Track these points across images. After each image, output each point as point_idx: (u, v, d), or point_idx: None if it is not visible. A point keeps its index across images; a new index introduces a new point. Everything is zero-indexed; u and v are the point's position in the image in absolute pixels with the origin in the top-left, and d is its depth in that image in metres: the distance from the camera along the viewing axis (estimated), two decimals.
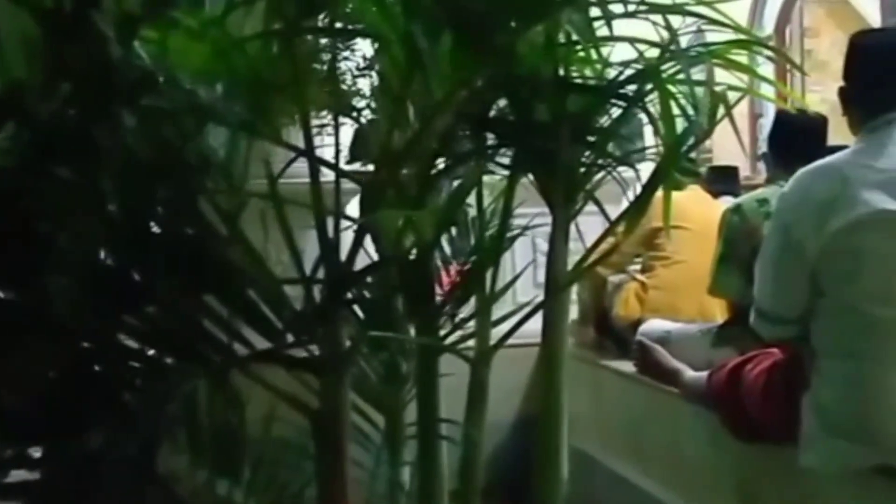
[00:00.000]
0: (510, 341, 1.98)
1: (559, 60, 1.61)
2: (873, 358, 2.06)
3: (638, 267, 3.81)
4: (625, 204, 3.95)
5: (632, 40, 1.64)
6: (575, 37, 1.58)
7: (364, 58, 1.99)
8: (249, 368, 1.43)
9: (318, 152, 1.53)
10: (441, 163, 1.68)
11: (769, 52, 2.35)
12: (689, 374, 2.87)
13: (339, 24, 1.52)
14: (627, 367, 3.35)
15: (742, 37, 1.63)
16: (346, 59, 2.00)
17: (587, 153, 1.69)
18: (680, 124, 1.60)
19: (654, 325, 3.33)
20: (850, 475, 2.12)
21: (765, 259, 2.27)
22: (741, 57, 1.76)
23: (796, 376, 2.24)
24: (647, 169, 1.88)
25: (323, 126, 2.10)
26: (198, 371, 1.42)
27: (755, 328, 2.36)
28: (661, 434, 3.13)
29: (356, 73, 2.04)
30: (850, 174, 2.07)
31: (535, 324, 4.36)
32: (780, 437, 2.27)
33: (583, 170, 1.76)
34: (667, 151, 1.64)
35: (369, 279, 1.62)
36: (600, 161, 1.72)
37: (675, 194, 3.78)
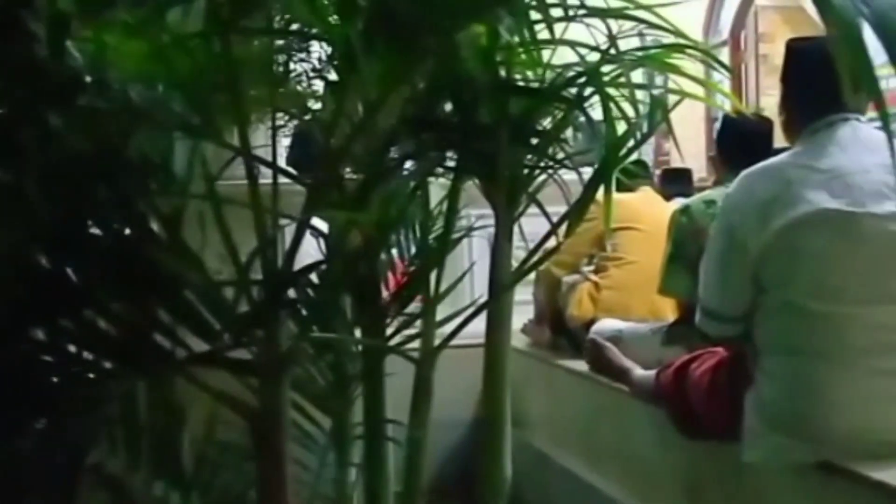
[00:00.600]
0: (465, 341, 1.98)
1: (500, 63, 1.60)
2: (814, 354, 2.07)
3: (592, 267, 3.83)
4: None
5: (572, 44, 1.64)
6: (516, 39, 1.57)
7: (319, 59, 1.97)
8: (189, 371, 1.41)
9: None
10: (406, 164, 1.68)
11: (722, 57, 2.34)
12: (639, 372, 2.88)
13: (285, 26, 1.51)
14: (581, 365, 3.35)
15: (680, 41, 1.63)
16: (302, 60, 1.98)
17: (529, 156, 1.68)
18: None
19: (607, 324, 3.34)
20: (792, 470, 2.14)
21: (709, 259, 2.29)
22: (685, 61, 1.77)
23: (740, 374, 2.26)
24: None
25: (280, 127, 2.08)
26: (135, 374, 1.40)
27: (700, 327, 2.37)
28: (612, 431, 3.14)
29: (312, 74, 2.02)
30: (792, 175, 2.08)
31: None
32: (725, 433, 2.28)
33: (526, 172, 1.75)
34: (607, 154, 1.63)
35: (316, 280, 1.59)
36: (542, 163, 1.71)
37: (626, 196, 3.87)
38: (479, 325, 4.16)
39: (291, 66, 1.98)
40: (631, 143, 1.75)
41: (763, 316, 2.17)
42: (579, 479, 3.23)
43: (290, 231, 1.42)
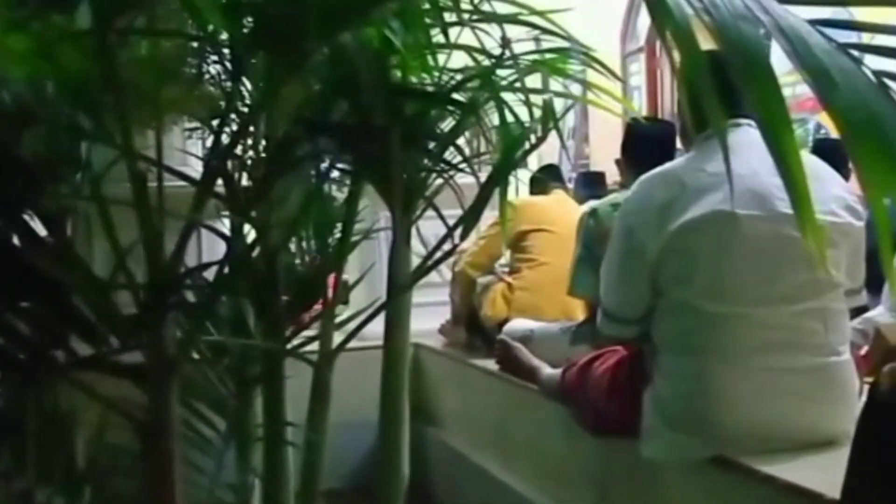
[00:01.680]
0: (374, 342, 1.96)
1: (395, 67, 1.59)
2: (708, 353, 2.10)
3: (506, 268, 3.85)
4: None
5: (465, 48, 1.64)
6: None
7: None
8: (75, 376, 1.37)
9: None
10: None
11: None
12: (547, 370, 2.90)
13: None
14: (494, 365, 3.36)
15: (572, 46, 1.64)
16: (216, 62, 1.94)
17: (426, 160, 1.67)
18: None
19: (518, 324, 3.36)
20: (688, 466, 2.17)
21: (609, 261, 2.31)
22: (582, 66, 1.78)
23: (639, 372, 2.28)
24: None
25: (194, 129, 2.04)
26: (19, 381, 1.35)
27: (601, 328, 2.40)
28: (523, 429, 3.15)
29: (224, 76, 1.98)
30: (687, 178, 2.11)
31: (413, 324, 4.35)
32: (626, 430, 2.30)
33: (423, 175, 1.74)
34: (501, 158, 1.63)
35: (217, 283, 1.56)
36: (438, 167, 1.70)
37: (539, 199, 3.90)
38: (380, 326, 4.15)
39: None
40: (527, 146, 1.75)
41: (660, 316, 2.19)
42: (492, 477, 3.23)
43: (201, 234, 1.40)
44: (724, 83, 0.89)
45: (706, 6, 0.73)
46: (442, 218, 1.70)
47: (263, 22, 1.11)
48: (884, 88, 0.82)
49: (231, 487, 1.70)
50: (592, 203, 3.11)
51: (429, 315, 4.19)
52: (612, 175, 5.53)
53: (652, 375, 2.22)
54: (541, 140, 1.71)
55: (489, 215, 3.98)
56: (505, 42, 1.66)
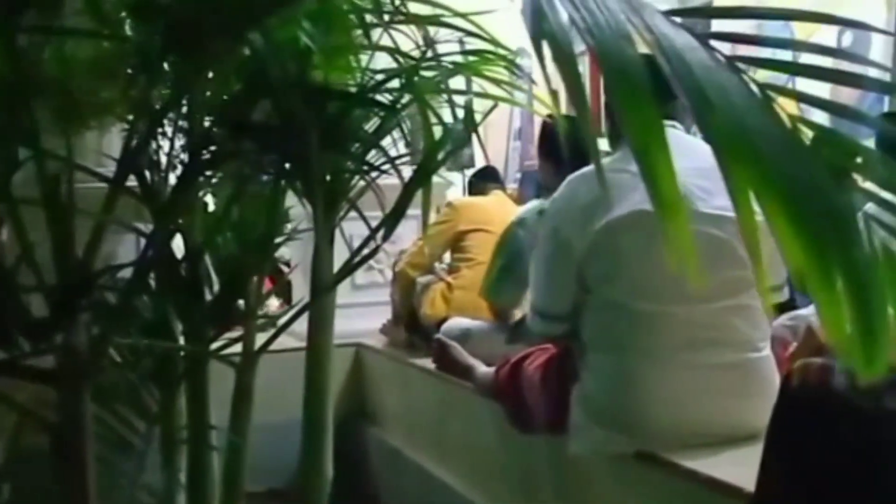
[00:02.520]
0: (303, 344, 1.93)
1: (317, 67, 1.57)
2: (633, 351, 2.12)
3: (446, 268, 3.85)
4: (432, 210, 4.01)
5: (387, 49, 1.63)
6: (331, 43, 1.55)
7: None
8: None
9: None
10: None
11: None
12: (481, 369, 2.90)
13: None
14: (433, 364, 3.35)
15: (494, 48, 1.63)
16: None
17: (348, 161, 1.65)
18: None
19: (456, 323, 3.36)
20: (614, 461, 2.18)
21: (538, 260, 2.33)
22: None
23: (568, 370, 2.29)
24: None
25: (131, 130, 1.99)
26: None
27: (531, 326, 2.40)
28: (458, 427, 3.15)
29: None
30: (612, 178, 2.12)
31: (349, 325, 4.34)
32: (556, 427, 2.31)
33: (347, 176, 1.72)
34: (424, 159, 1.62)
35: (130, 284, 1.52)
36: (361, 168, 1.69)
37: (478, 199, 3.90)
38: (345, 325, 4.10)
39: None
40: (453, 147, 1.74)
41: (588, 314, 2.21)
42: (428, 474, 3.23)
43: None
44: (652, 86, 0.90)
45: (589, 26, 0.72)
46: (364, 220, 1.69)
47: (170, 23, 1.09)
48: (768, 102, 0.82)
49: (149, 490, 1.66)
50: (519, 212, 3.11)
51: (371, 315, 4.18)
52: None
53: (580, 373, 2.23)
54: (464, 142, 1.70)
55: (431, 216, 4.02)
56: (427, 43, 1.65)
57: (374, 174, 1.74)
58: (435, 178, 2.09)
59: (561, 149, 2.94)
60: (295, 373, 3.03)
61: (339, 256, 4.26)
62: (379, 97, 1.63)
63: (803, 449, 1.58)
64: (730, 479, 1.85)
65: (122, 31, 1.19)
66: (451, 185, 4.64)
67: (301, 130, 1.46)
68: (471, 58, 1.70)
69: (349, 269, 1.66)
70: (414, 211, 4.35)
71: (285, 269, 4.16)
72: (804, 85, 5.59)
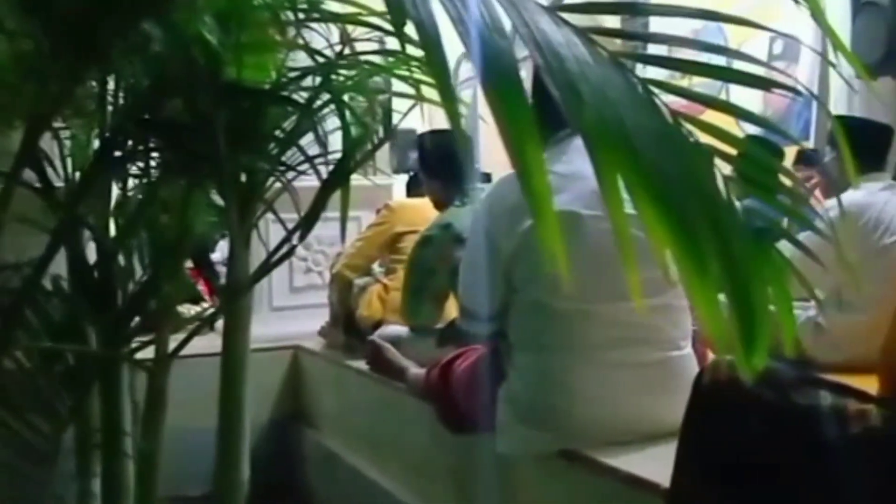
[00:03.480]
0: (251, 346, 1.88)
1: (226, 64, 1.54)
2: (557, 349, 2.11)
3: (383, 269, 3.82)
4: (370, 211, 3.96)
5: (302, 47, 1.59)
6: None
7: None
8: None
9: None
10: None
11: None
12: (414, 370, 2.88)
13: None
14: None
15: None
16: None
17: (263, 161, 1.61)
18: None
19: (390, 328, 3.33)
20: (539, 459, 2.17)
21: (467, 262, 2.32)
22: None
23: (496, 370, 2.28)
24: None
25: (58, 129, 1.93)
26: None
27: (460, 326, 2.39)
28: (392, 429, 3.12)
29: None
30: None
31: (288, 327, 4.28)
32: (484, 427, 2.29)
33: (265, 176, 1.68)
34: (341, 159, 1.60)
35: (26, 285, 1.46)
36: (280, 169, 1.65)
37: (415, 201, 3.87)
38: (265, 330, 4.04)
39: None
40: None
41: (514, 314, 2.20)
42: (363, 476, 3.19)
43: None
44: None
45: (462, 18, 0.70)
46: (281, 221, 1.65)
47: (56, 20, 1.05)
48: (649, 98, 0.81)
49: (56, 498, 1.60)
50: (424, 231, 3.10)
51: (310, 317, 4.14)
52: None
53: (507, 372, 2.22)
54: (382, 142, 1.67)
55: (370, 217, 3.99)
56: (344, 41, 1.62)
57: (296, 174, 1.70)
58: (376, 180, 2.06)
59: (444, 162, 2.94)
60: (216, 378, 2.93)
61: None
62: (296, 96, 1.60)
63: (714, 445, 1.58)
64: (649, 476, 1.85)
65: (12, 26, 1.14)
66: (392, 186, 4.60)
67: (209, 128, 1.42)
68: (390, 58, 1.67)
69: (263, 271, 1.62)
70: (354, 213, 4.30)
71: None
72: (736, 93, 5.67)
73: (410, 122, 2.49)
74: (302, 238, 1.58)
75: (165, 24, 1.22)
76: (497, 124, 0.66)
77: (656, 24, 6.29)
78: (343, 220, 1.56)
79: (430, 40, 0.66)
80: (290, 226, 1.70)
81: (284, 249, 1.60)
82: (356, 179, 1.88)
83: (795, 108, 5.23)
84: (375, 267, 3.81)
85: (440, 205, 3.19)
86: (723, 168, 0.92)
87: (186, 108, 1.53)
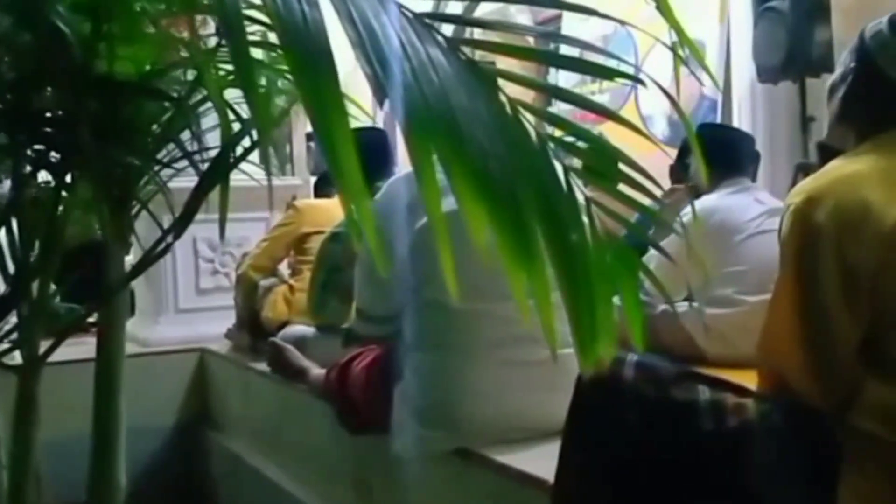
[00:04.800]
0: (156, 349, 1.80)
1: (103, 58, 1.48)
2: (452, 348, 2.10)
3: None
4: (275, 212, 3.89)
5: (180, 41, 1.54)
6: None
7: None
8: None
9: None
10: None
11: None
12: (315, 371, 2.83)
13: None
14: None
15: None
16: None
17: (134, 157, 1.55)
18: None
19: (293, 330, 3.28)
20: (435, 459, 2.15)
21: (362, 263, 2.30)
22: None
23: (392, 370, 2.25)
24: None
25: None
26: None
27: (356, 329, 2.36)
28: (296, 431, 3.07)
29: None
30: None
31: (194, 329, 4.18)
32: (382, 427, 2.26)
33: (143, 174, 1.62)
34: (218, 156, 1.55)
35: None
36: (157, 165, 1.59)
37: (322, 202, 3.82)
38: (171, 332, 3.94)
39: None
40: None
41: (410, 314, 2.17)
42: (266, 479, 3.12)
43: None
44: None
45: None
46: (156, 220, 1.59)
47: None
48: (492, 85, 0.78)
49: None
50: (333, 227, 3.07)
51: (217, 319, 4.05)
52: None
53: (403, 372, 2.20)
54: (258, 142, 1.62)
55: (278, 217, 3.92)
56: (220, 34, 1.57)
57: (174, 172, 1.64)
58: (279, 181, 2.00)
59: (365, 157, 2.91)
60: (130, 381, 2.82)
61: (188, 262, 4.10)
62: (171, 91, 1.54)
63: (596, 441, 1.58)
64: (538, 473, 1.84)
65: None
66: (298, 187, 4.54)
67: (72, 122, 1.36)
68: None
69: (137, 271, 1.56)
70: (261, 213, 4.23)
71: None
72: (644, 99, 5.73)
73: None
74: (177, 237, 1.52)
75: (19, 13, 1.15)
76: (309, 116, 0.62)
77: (568, 27, 6.37)
78: (222, 219, 1.51)
79: (233, 24, 0.63)
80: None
81: (159, 248, 1.54)
82: (265, 179, 1.83)
83: (701, 111, 5.32)
84: (282, 268, 3.75)
85: None
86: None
87: (54, 101, 1.47)
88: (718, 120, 5.19)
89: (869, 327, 1.36)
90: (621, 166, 0.84)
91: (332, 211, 3.69)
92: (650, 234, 3.21)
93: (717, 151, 2.99)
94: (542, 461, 1.89)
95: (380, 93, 0.65)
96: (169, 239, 1.53)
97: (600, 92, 6.01)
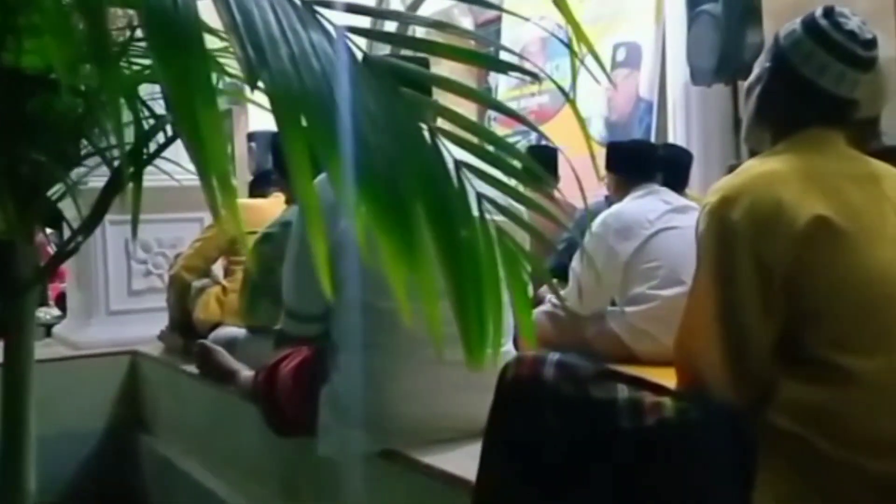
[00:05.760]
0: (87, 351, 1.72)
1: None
2: (377, 348, 2.07)
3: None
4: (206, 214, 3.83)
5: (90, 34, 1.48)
6: None
7: None
8: None
9: None
10: None
11: None
12: (244, 373, 2.78)
13: None
14: None
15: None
16: None
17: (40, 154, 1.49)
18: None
19: (224, 332, 3.22)
20: (362, 460, 2.12)
21: (289, 263, 2.26)
22: None
23: (319, 371, 2.22)
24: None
25: None
26: None
27: (284, 328, 2.32)
28: (225, 434, 3.01)
29: None
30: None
31: (127, 332, 4.09)
32: (310, 429, 2.23)
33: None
34: (127, 154, 1.50)
35: None
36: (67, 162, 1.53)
37: (255, 202, 3.76)
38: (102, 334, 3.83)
39: None
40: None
41: (338, 314, 2.15)
42: (197, 484, 3.06)
43: None
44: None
45: None
46: (66, 221, 1.54)
47: None
48: (389, 77, 0.76)
49: None
50: (264, 229, 3.03)
51: (150, 321, 3.97)
52: None
53: (330, 373, 2.16)
54: (172, 139, 1.57)
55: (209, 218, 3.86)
56: (133, 28, 1.52)
57: (88, 170, 1.59)
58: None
59: (278, 160, 2.90)
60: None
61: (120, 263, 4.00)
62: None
63: (516, 440, 1.57)
64: (465, 474, 1.82)
65: None
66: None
67: None
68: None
69: (44, 272, 1.50)
70: (196, 214, 4.14)
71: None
72: (583, 101, 5.77)
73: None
74: (86, 236, 1.47)
75: None
76: (170, 107, 0.59)
77: (509, 27, 6.38)
78: (134, 219, 1.45)
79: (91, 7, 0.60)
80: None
81: (69, 248, 1.48)
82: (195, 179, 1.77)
83: (638, 113, 5.37)
84: (216, 269, 3.68)
85: (291, 202, 3.12)
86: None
87: None
88: (654, 121, 5.25)
89: (784, 325, 1.37)
90: (515, 161, 0.82)
91: (266, 211, 3.64)
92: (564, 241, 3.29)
93: (623, 162, 3.23)
94: (469, 461, 1.87)
95: (251, 78, 0.62)
96: (79, 238, 1.48)
97: (539, 94, 6.04)
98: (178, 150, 1.40)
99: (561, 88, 0.91)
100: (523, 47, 6.08)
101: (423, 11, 8.11)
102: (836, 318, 1.34)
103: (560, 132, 5.94)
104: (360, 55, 0.76)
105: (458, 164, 0.78)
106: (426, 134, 0.75)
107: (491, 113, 7.62)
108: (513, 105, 6.47)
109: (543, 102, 6.10)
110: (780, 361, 1.38)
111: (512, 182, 0.83)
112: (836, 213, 1.35)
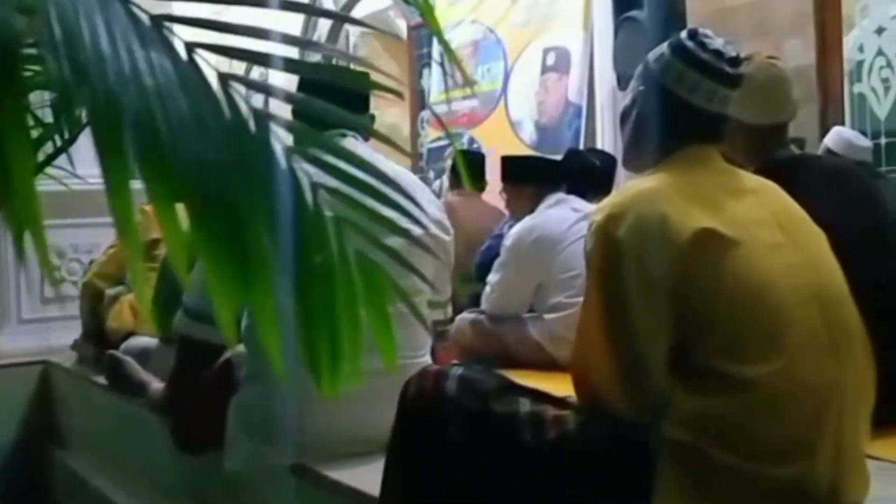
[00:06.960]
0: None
1: None
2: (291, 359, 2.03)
3: None
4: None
5: None
6: None
7: None
8: None
9: None
10: None
11: None
12: (155, 385, 2.71)
13: None
14: None
15: None
16: None
17: None
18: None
19: (136, 342, 3.14)
20: (270, 475, 2.08)
21: (199, 266, 2.18)
22: None
23: (228, 383, 2.17)
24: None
25: None
26: None
27: (175, 325, 2.24)
28: (137, 447, 2.93)
29: None
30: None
31: (39, 341, 3.98)
32: (219, 443, 2.18)
33: None
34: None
35: None
36: None
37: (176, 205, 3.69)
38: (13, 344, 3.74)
39: None
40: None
41: (247, 322, 2.09)
42: (107, 499, 2.98)
43: None
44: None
45: None
46: None
47: None
48: (193, 65, 0.73)
49: None
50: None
51: (64, 330, 3.86)
52: None
53: (239, 385, 2.12)
54: (69, 143, 1.52)
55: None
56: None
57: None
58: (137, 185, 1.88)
59: None
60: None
61: (32, 270, 3.88)
62: None
63: (418, 454, 1.55)
64: (370, 490, 1.80)
65: None
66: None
67: None
68: None
69: None
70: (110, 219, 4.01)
71: None
72: (514, 105, 5.75)
73: None
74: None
75: None
76: None
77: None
78: (19, 230, 1.40)
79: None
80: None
81: None
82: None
83: (567, 117, 5.41)
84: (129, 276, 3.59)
85: None
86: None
87: None
88: (583, 125, 5.30)
89: (676, 338, 1.38)
90: (374, 182, 0.80)
91: (184, 215, 3.57)
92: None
93: (531, 176, 3.36)
94: (374, 476, 1.85)
95: (64, 98, 0.59)
96: None
97: (469, 98, 6.05)
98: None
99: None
100: (455, 50, 6.07)
101: (357, 14, 8.07)
102: (727, 327, 1.35)
103: (491, 135, 5.98)
104: (212, 73, 0.74)
105: (315, 187, 0.75)
106: (280, 156, 0.73)
107: (424, 115, 7.64)
108: (443, 108, 6.48)
109: (475, 106, 6.12)
110: (675, 374, 1.39)
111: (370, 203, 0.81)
112: (721, 224, 1.37)
